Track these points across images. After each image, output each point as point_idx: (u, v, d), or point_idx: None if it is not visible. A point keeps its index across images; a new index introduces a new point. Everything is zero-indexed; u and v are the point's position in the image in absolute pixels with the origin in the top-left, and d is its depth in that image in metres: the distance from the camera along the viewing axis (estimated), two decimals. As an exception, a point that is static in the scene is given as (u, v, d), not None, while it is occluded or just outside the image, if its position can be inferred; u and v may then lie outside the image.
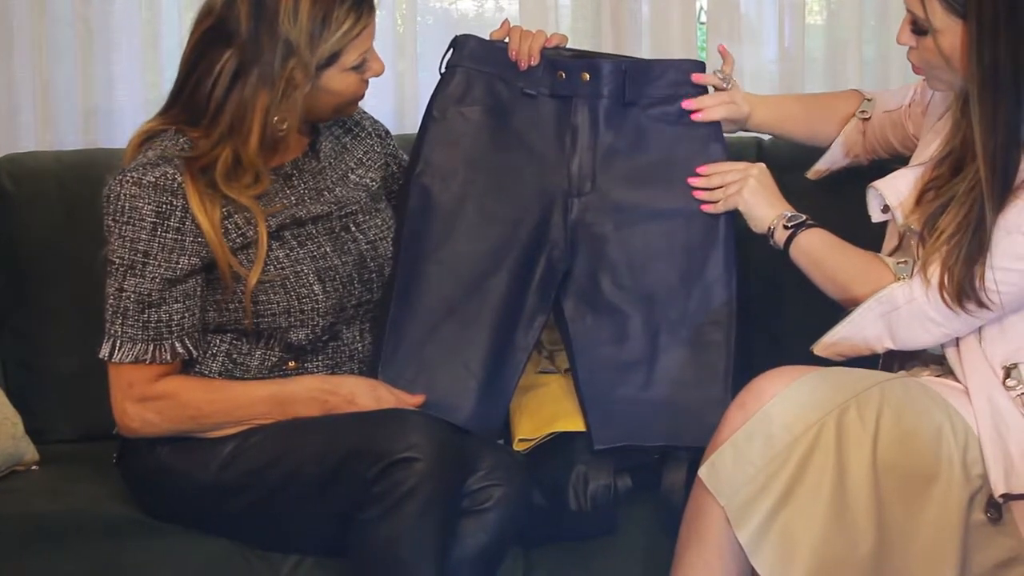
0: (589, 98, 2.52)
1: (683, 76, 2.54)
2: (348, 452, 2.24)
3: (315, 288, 2.38)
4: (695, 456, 2.40)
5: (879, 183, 2.38)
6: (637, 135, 2.53)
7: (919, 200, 2.34)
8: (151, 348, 2.32)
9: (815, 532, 2.12)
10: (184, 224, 2.30)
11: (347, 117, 2.51)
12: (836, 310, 2.38)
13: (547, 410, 2.55)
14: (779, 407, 2.17)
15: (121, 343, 2.32)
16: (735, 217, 2.50)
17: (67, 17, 3.13)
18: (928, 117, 2.49)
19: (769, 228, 2.40)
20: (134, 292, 2.30)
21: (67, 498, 2.53)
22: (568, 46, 2.56)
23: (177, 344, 2.34)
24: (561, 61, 2.52)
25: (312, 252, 2.40)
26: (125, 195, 2.29)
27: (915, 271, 2.28)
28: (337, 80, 2.36)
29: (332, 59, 2.33)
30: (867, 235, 2.46)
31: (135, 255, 2.29)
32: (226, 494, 2.33)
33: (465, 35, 2.53)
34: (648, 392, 2.48)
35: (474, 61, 2.51)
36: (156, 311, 2.31)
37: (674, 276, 2.50)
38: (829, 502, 2.13)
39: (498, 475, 2.34)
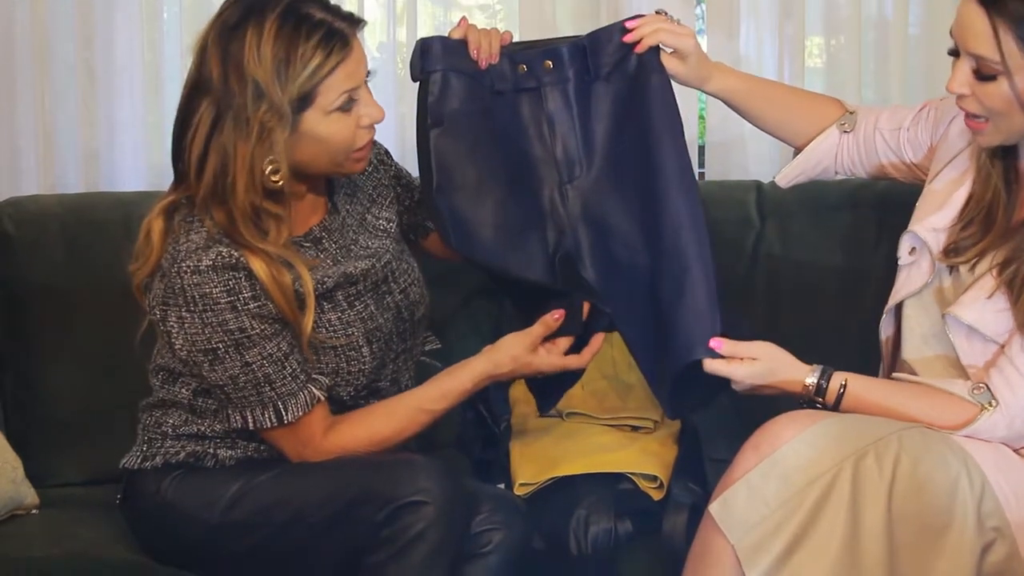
0: (556, 84, 2.49)
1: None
2: (356, 495, 2.23)
3: (363, 351, 2.37)
4: (696, 501, 2.40)
5: (919, 229, 2.35)
6: (604, 104, 2.48)
7: (944, 254, 2.32)
8: (313, 389, 2.31)
9: None
10: (256, 290, 2.25)
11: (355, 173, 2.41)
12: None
13: (548, 454, 2.55)
14: (796, 449, 2.16)
15: (284, 403, 2.29)
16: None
17: (69, 60, 3.13)
18: (944, 148, 2.43)
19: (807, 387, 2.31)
20: (263, 359, 2.27)
21: (68, 542, 2.52)
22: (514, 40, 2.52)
23: (321, 378, 2.33)
24: (519, 54, 2.49)
25: (361, 313, 2.38)
26: (189, 285, 2.24)
27: (996, 386, 2.23)
28: (322, 124, 2.26)
29: (306, 100, 2.24)
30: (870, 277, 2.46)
31: (234, 334, 2.25)
32: (231, 534, 2.32)
33: (429, 38, 2.47)
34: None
35: (446, 61, 2.44)
36: (292, 358, 2.29)
37: (647, 215, 2.42)
38: (841, 549, 2.12)
39: (498, 519, 2.34)
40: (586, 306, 2.38)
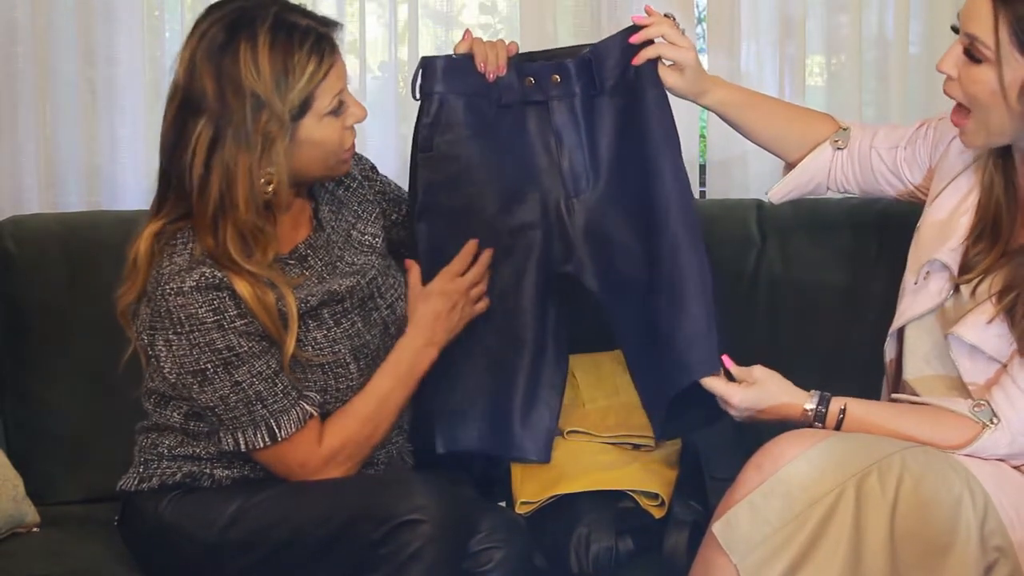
0: (563, 98, 2.48)
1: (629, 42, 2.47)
2: (353, 513, 2.23)
3: (351, 368, 2.37)
4: (698, 519, 2.39)
5: (941, 255, 2.33)
6: (608, 118, 2.48)
7: (957, 273, 2.32)
8: (305, 405, 2.31)
9: None
10: (241, 308, 2.26)
11: (341, 175, 2.45)
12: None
13: (549, 472, 2.54)
14: (799, 468, 2.15)
15: (277, 420, 2.29)
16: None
17: (71, 79, 3.13)
18: (944, 167, 2.42)
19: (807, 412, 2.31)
20: (253, 376, 2.27)
21: (68, 560, 2.52)
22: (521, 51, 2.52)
23: (313, 395, 2.33)
24: (527, 67, 2.49)
25: (347, 330, 2.38)
26: (175, 307, 2.24)
27: (999, 403, 2.23)
28: (317, 129, 2.28)
29: (304, 106, 2.26)
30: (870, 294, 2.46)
31: (222, 353, 2.26)
32: (229, 554, 2.32)
33: (432, 57, 2.49)
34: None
35: (446, 84, 2.46)
36: (282, 375, 2.29)
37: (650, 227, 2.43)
38: (844, 568, 2.12)
39: (499, 537, 2.34)
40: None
